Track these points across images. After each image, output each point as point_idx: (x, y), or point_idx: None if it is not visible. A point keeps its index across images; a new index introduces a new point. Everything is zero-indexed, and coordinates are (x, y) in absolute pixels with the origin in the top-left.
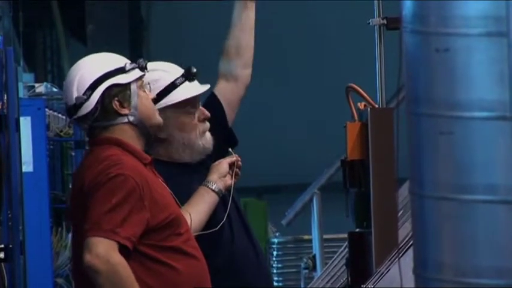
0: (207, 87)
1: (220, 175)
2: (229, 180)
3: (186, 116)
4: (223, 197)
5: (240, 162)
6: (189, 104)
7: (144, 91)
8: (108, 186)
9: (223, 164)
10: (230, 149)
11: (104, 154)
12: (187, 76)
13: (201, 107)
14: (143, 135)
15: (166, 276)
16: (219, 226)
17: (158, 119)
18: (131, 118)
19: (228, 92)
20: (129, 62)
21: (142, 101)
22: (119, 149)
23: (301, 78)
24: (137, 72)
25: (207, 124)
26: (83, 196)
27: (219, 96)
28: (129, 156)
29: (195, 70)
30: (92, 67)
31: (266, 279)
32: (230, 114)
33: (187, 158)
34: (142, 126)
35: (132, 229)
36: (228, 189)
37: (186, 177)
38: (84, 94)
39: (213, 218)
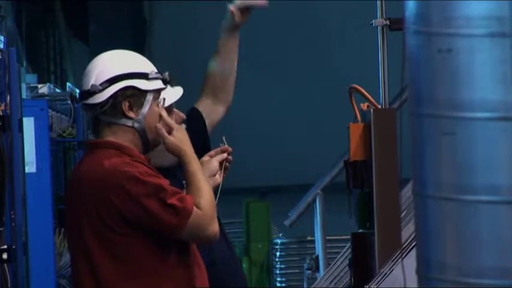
0: (180, 91)
1: (211, 173)
2: (219, 179)
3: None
4: None
5: (230, 157)
6: (165, 108)
7: (157, 106)
8: (136, 182)
9: (213, 162)
10: (224, 138)
11: (108, 159)
12: (163, 83)
13: (176, 110)
14: (143, 144)
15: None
16: None
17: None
18: (136, 124)
19: (210, 111)
20: (155, 71)
21: (152, 113)
22: (117, 152)
23: (304, 78)
24: (158, 84)
25: (183, 126)
26: (92, 198)
27: (201, 111)
28: (129, 158)
29: (168, 76)
30: (118, 62)
31: (243, 281)
32: (209, 128)
33: (164, 163)
34: (144, 135)
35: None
36: (217, 187)
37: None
38: (100, 85)
39: None
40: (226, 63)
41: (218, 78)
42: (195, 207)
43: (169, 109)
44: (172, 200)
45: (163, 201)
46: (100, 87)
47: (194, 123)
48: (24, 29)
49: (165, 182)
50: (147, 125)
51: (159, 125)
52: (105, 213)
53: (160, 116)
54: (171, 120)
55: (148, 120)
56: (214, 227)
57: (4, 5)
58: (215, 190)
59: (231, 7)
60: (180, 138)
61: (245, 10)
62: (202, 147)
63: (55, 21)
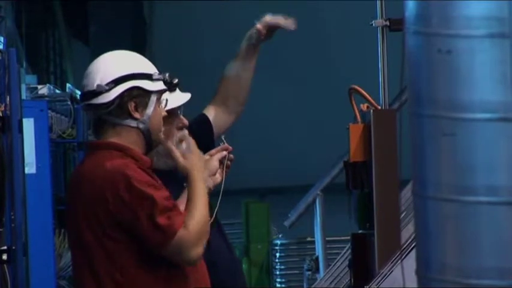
0: (188, 96)
1: (211, 173)
2: (219, 178)
3: (165, 124)
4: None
5: (231, 155)
6: (169, 113)
7: (159, 106)
8: (131, 189)
9: (213, 161)
10: (223, 137)
11: (110, 160)
12: (169, 87)
13: (180, 116)
14: (146, 144)
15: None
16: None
17: (162, 137)
18: (141, 125)
19: (219, 119)
20: (157, 72)
21: (156, 114)
22: (120, 153)
23: (304, 80)
24: (161, 85)
25: (185, 131)
26: (92, 199)
27: (210, 118)
28: (132, 162)
29: (176, 80)
30: (122, 62)
31: (242, 282)
32: (215, 136)
33: (161, 165)
34: (148, 136)
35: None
36: (217, 186)
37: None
38: (106, 85)
39: None
40: (243, 71)
41: (233, 82)
42: (181, 228)
43: (174, 113)
44: (161, 218)
45: (152, 216)
46: (106, 88)
47: (200, 127)
48: (24, 30)
49: (159, 196)
50: (151, 125)
51: (173, 147)
52: (103, 215)
53: (182, 138)
54: (194, 146)
55: (152, 121)
56: (198, 251)
57: (4, 5)
58: (216, 189)
59: (258, 25)
60: (193, 163)
61: (271, 29)
62: (204, 152)
63: (55, 21)
